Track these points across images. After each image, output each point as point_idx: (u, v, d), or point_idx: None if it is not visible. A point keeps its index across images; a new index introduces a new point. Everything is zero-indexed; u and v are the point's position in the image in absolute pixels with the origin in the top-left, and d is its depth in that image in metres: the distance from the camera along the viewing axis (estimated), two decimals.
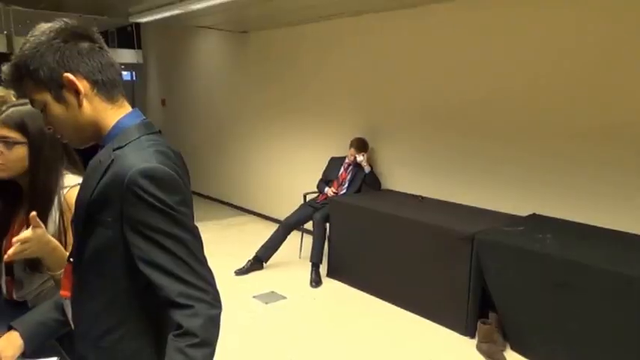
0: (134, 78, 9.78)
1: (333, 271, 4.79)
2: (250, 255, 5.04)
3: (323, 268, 4.86)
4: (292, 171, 6.37)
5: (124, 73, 9.87)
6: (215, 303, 1.14)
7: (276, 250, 5.00)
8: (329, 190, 5.10)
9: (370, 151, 5.25)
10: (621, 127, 3.54)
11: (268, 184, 6.81)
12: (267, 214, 6.88)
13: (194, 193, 7.84)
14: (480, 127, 4.37)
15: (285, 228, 5.01)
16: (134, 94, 9.62)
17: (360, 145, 5.10)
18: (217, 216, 7.02)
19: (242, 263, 4.97)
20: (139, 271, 1.14)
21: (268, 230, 5.45)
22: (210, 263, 1.19)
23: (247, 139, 7.08)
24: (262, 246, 5.01)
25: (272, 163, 6.71)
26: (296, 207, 5.27)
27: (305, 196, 5.39)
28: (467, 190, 4.55)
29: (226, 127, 7.47)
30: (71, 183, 1.68)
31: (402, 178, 5.09)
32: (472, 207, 4.44)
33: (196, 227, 1.19)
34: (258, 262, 4.97)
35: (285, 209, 5.77)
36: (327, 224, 4.91)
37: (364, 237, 4.45)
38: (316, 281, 4.64)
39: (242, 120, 7.12)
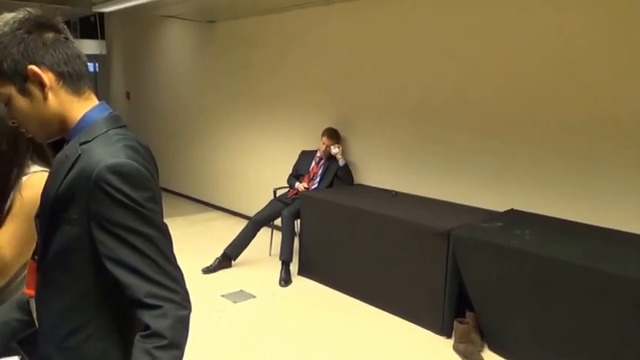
0: (97, 70, 9.49)
1: (304, 268, 4.73)
2: (218, 252, 4.98)
3: (294, 266, 4.81)
4: (262, 165, 6.31)
5: None
6: (184, 303, 1.14)
7: (246, 247, 4.94)
8: (300, 185, 5.05)
9: (342, 143, 5.24)
10: (604, 121, 3.50)
11: (237, 179, 6.75)
12: (236, 210, 6.82)
13: (161, 188, 7.59)
14: (456, 119, 4.34)
15: (255, 224, 4.95)
16: (97, 87, 9.49)
17: (333, 134, 5.07)
18: (185, 212, 6.96)
19: (210, 261, 4.91)
20: (106, 270, 1.13)
21: (237, 227, 5.41)
22: (177, 261, 1.18)
23: (215, 132, 7.02)
24: (231, 243, 4.95)
25: (241, 157, 6.65)
26: (266, 202, 5.22)
27: (275, 192, 5.35)
28: (442, 185, 4.51)
29: (193, 121, 7.40)
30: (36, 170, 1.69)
31: (375, 172, 5.06)
32: (448, 202, 4.41)
33: (166, 225, 1.18)
34: (226, 260, 4.91)
35: (255, 205, 5.74)
36: (298, 220, 4.86)
37: (336, 233, 4.40)
38: (286, 280, 4.59)
39: (210, 113, 7.06)
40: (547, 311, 3.04)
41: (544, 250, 3.07)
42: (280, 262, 4.71)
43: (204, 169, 7.28)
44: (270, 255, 5.22)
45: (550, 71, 3.68)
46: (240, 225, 5.33)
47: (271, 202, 5.15)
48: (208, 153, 7.17)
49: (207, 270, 4.77)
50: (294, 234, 4.79)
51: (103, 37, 8.58)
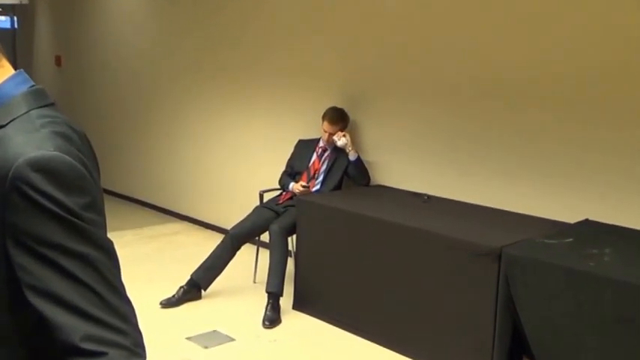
0: (15, 25, 9.54)
1: (301, 301, 4.76)
2: (183, 279, 5.00)
3: (287, 299, 4.83)
4: (244, 160, 6.36)
5: (1, 18, 9.61)
6: (136, 349, 1.14)
7: (221, 271, 4.96)
8: (296, 186, 5.08)
9: (352, 130, 5.26)
10: None
11: (209, 178, 6.80)
12: (207, 221, 6.86)
13: (103, 191, 7.65)
14: (513, 101, 4.40)
15: (234, 240, 4.97)
16: (15, 49, 9.53)
17: (337, 117, 5.12)
18: (136, 223, 6.96)
19: (172, 291, 4.93)
20: (28, 304, 1.12)
21: (209, 243, 5.43)
22: (127, 291, 1.19)
23: (179, 115, 7.07)
24: (200, 266, 4.97)
25: (215, 148, 6.70)
26: (249, 210, 5.23)
27: (262, 196, 5.36)
28: (491, 188, 4.55)
29: (149, 100, 7.48)
30: None
31: (399, 168, 5.10)
32: (498, 210, 4.45)
33: (110, 241, 1.19)
34: (194, 289, 4.95)
35: (234, 214, 5.72)
36: (292, 237, 4.91)
37: (345, 253, 4.44)
38: (272, 319, 4.60)
39: (171, 89, 7.13)
40: (635, 358, 3.06)
41: (630, 276, 3.08)
42: (266, 295, 4.70)
43: (164, 165, 7.34)
44: (254, 282, 5.27)
45: None
46: (213, 241, 5.34)
47: (256, 209, 5.18)
48: (169, 143, 7.23)
49: (169, 303, 4.80)
50: (286, 255, 4.79)
51: None
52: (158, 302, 4.82)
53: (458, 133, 4.72)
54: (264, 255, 5.23)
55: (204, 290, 4.97)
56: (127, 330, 1.13)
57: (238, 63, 6.25)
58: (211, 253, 4.98)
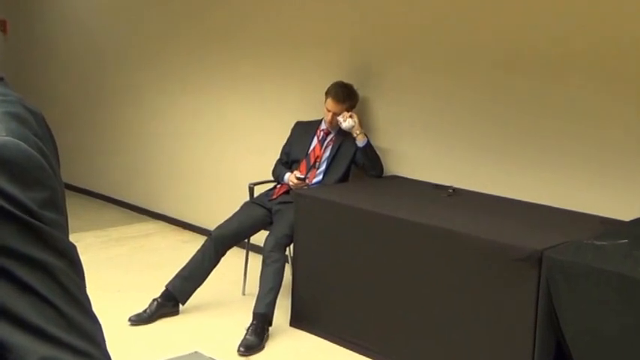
0: None
1: (300, 317, 4.77)
2: (157, 290, 4.99)
3: (283, 315, 4.85)
4: (229, 148, 6.39)
5: None
6: None
7: (202, 281, 4.96)
8: (290, 177, 5.08)
9: (360, 110, 5.23)
10: None
11: (188, 170, 6.83)
12: (185, 220, 6.90)
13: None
14: (557, 75, 4.37)
15: (217, 244, 4.96)
16: None
17: (343, 94, 5.09)
18: (100, 223, 6.97)
19: (143, 304, 4.92)
20: None
21: (188, 247, 5.47)
22: (93, 306, 1.17)
23: (151, 96, 7.08)
24: (177, 275, 4.96)
25: (194, 135, 6.72)
26: (236, 207, 5.24)
27: (252, 189, 5.35)
28: (529, 179, 4.55)
29: (115, 78, 7.48)
30: None
31: (418, 156, 5.11)
32: (538, 206, 4.45)
33: (73, 246, 1.15)
34: (170, 303, 4.93)
35: (218, 212, 5.74)
36: (290, 249, 4.97)
37: (353, 258, 4.43)
38: (249, 345, 4.51)
39: (143, 66, 7.13)
40: None
41: None
42: (251, 315, 4.68)
43: (133, 154, 7.38)
44: (243, 294, 5.30)
45: None
46: (192, 245, 5.32)
47: (244, 206, 5.20)
48: (139, 128, 7.26)
49: (139, 319, 4.79)
50: (282, 271, 4.80)
51: None
52: (126, 318, 4.78)
53: (489, 112, 4.70)
54: (256, 261, 5.19)
55: (182, 304, 4.93)
56: (92, 352, 1.09)
57: (219, 30, 6.29)
58: (190, 260, 4.95)
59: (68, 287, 1.11)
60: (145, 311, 4.83)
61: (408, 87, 5.11)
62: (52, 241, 1.10)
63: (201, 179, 6.65)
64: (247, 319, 4.75)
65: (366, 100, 5.28)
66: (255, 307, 4.70)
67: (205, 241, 5.02)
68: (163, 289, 4.91)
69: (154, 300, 4.88)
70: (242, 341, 4.53)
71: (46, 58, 8.31)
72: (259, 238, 5.08)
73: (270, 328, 4.72)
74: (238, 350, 4.49)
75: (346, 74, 5.31)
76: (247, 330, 4.61)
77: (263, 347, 4.59)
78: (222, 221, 5.10)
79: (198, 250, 4.98)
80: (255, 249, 5.36)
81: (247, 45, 6.08)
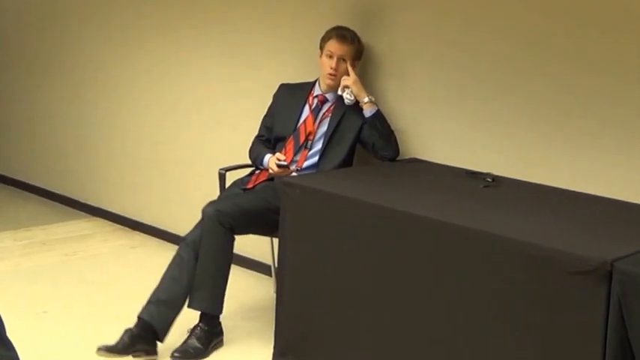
0: None
1: (287, 347, 4.68)
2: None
3: (265, 346, 4.81)
4: (191, 121, 6.39)
5: None
6: None
7: (182, 304, 4.87)
8: (272, 159, 5.03)
9: (365, 75, 5.15)
10: None
11: (136, 151, 6.85)
12: (133, 218, 6.95)
13: None
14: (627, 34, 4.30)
15: (192, 250, 4.92)
16: None
17: (350, 34, 5.09)
18: (20, 220, 7.02)
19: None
20: None
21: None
22: (17, 337, 1.17)
23: (93, 63, 7.14)
24: (152, 299, 4.86)
25: (142, 102, 6.76)
26: (202, 201, 5.09)
27: (223, 176, 5.32)
28: (592, 164, 4.51)
29: (45, 36, 7.58)
30: None
31: (445, 133, 5.07)
32: (605, 200, 4.38)
33: None
34: (147, 335, 4.81)
35: (178, 208, 5.69)
36: (274, 257, 4.83)
37: (360, 270, 4.33)
38: (186, 351, 4.63)
39: (84, 27, 7.16)
40: None
41: None
42: (199, 316, 4.72)
43: (62, 129, 7.46)
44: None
45: None
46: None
47: (223, 197, 5.14)
48: (73, 100, 7.36)
49: (108, 350, 4.67)
50: (226, 256, 4.89)
51: None
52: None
53: (543, 71, 4.61)
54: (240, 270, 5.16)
55: (162, 341, 4.83)
56: None
57: None
58: (164, 276, 4.86)
59: None
60: (117, 344, 4.74)
61: (430, 38, 5.04)
62: None
63: (154, 163, 6.65)
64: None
65: (371, 49, 5.23)
66: (192, 302, 4.81)
67: (178, 249, 4.95)
68: (136, 320, 4.80)
69: (127, 330, 4.77)
70: (178, 346, 4.70)
71: None
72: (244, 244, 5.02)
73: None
74: (172, 355, 4.68)
75: (343, 18, 5.30)
76: (190, 333, 4.76)
77: (206, 354, 4.74)
78: (192, 224, 5.00)
79: (171, 264, 4.93)
80: (238, 260, 5.31)
81: None
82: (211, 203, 4.88)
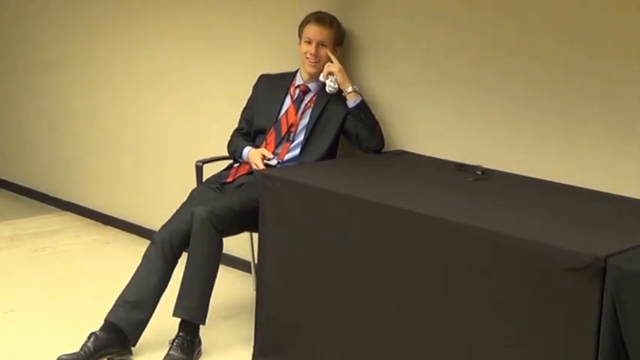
0: None
1: (267, 347, 4.65)
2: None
3: (244, 346, 4.81)
4: (167, 111, 6.31)
5: None
6: None
7: (154, 306, 4.78)
8: (254, 154, 4.98)
9: (349, 62, 5.07)
10: None
11: (107, 141, 6.79)
12: (106, 213, 6.88)
13: None
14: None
15: (166, 247, 4.80)
16: None
17: (329, 18, 5.05)
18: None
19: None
20: None
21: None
22: None
23: (63, 46, 7.12)
24: (120, 301, 4.76)
25: (111, 88, 6.71)
26: (179, 194, 5.14)
27: (200, 169, 5.24)
28: (586, 155, 4.45)
29: (14, 23, 7.42)
30: None
31: (433, 124, 5.01)
32: (599, 194, 4.34)
33: None
34: (118, 339, 4.73)
35: (153, 201, 5.61)
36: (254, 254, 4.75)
37: (344, 267, 4.28)
38: None
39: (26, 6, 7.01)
40: None
41: None
42: (181, 325, 4.65)
43: (27, 117, 7.44)
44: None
45: None
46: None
47: (193, 194, 5.10)
48: (31, 79, 7.30)
49: None
50: (215, 260, 4.78)
51: None
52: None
53: (539, 58, 4.57)
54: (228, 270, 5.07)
55: (134, 345, 4.77)
56: None
57: None
58: (134, 275, 4.79)
59: None
60: (81, 354, 4.60)
61: (416, 23, 4.98)
62: None
63: (127, 154, 6.57)
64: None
65: (353, 36, 5.17)
66: (176, 310, 4.69)
67: (149, 246, 4.86)
68: (102, 322, 4.73)
69: (91, 334, 4.68)
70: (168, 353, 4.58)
71: None
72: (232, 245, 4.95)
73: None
74: None
75: (326, 5, 5.20)
76: (171, 344, 4.64)
77: None
78: (169, 217, 4.92)
79: (142, 260, 4.84)
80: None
81: None
82: (167, 226, 4.92)
